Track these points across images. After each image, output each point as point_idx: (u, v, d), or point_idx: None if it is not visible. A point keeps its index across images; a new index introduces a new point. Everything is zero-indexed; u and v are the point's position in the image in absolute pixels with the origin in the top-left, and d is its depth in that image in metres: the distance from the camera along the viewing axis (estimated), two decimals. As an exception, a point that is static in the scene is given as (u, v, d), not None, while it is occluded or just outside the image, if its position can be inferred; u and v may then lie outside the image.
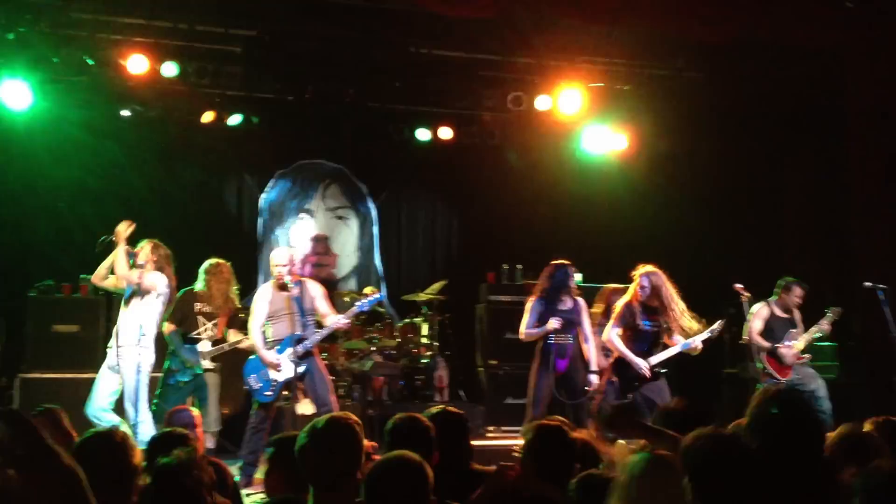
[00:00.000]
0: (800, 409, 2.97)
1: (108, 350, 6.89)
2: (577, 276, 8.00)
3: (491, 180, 10.92)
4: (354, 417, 3.11)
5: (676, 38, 8.80)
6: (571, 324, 7.39)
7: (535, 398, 7.30)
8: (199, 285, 7.42)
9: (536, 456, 3.48)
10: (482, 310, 9.91)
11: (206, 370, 7.28)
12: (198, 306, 7.36)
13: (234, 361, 7.51)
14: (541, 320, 7.36)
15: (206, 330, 7.33)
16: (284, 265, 6.92)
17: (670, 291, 7.09)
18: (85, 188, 9.67)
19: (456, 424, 3.82)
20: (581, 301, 7.56)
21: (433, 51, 9.60)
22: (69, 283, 8.68)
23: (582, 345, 7.43)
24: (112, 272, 6.94)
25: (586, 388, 7.31)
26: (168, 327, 7.23)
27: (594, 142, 10.40)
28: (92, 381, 8.21)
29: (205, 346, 7.29)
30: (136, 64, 8.71)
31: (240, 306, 7.61)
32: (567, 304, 7.46)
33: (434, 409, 3.89)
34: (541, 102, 9.66)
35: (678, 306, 7.07)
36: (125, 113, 9.62)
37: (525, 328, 7.42)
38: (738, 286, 8.28)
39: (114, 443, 2.74)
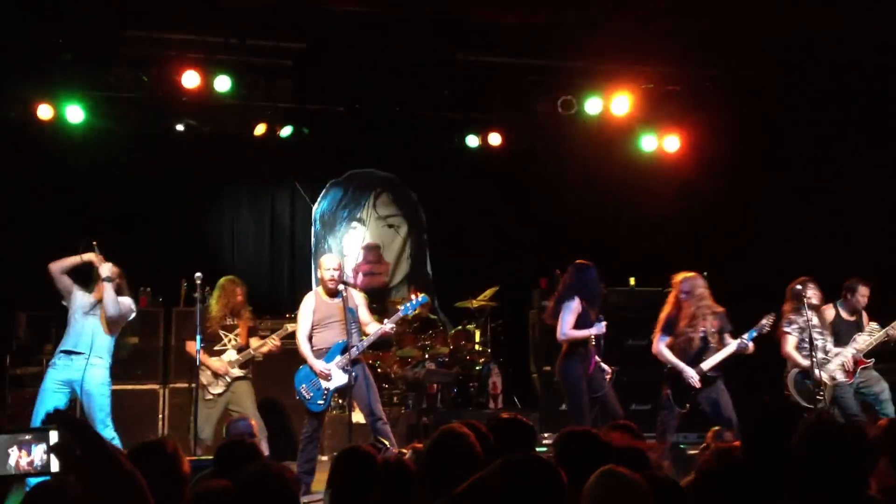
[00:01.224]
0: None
1: (56, 362, 6.70)
2: (631, 280, 7.90)
3: (541, 185, 10.88)
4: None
5: (729, 37, 8.66)
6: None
7: (579, 403, 7.09)
8: (211, 302, 7.46)
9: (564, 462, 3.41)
10: (535, 315, 9.86)
11: (237, 378, 7.30)
12: (216, 321, 7.41)
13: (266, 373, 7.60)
14: (581, 322, 7.16)
15: (229, 341, 7.37)
16: (335, 270, 6.96)
17: (708, 296, 7.05)
18: (140, 201, 9.87)
19: (523, 432, 3.78)
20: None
21: (481, 58, 9.60)
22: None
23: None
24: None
25: (606, 376, 7.19)
26: (191, 344, 7.23)
27: (646, 144, 10.30)
28: (152, 391, 8.41)
29: (231, 355, 7.33)
30: (190, 79, 8.88)
31: (252, 323, 7.60)
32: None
33: (503, 417, 3.87)
34: (591, 106, 9.61)
35: (717, 310, 7.06)
36: (179, 128, 9.78)
37: (567, 328, 7.09)
38: (799, 287, 8.09)
39: (165, 452, 2.76)
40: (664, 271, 7.92)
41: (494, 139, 10.36)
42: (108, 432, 6.61)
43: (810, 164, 10.16)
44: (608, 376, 7.21)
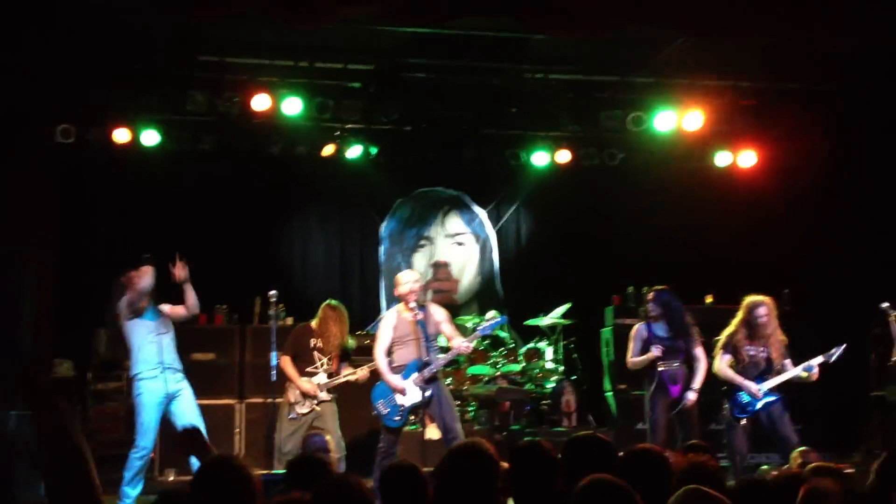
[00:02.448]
0: None
1: (160, 376, 6.75)
2: (708, 298, 7.80)
3: (612, 202, 10.79)
4: (485, 446, 3.09)
5: (804, 49, 8.50)
6: (677, 349, 7.26)
7: (653, 424, 7.29)
8: (315, 322, 7.48)
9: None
10: (608, 333, 9.75)
11: (323, 401, 7.33)
12: (312, 342, 7.43)
13: (348, 392, 7.63)
14: (645, 348, 7.31)
15: (321, 365, 7.40)
16: (415, 283, 6.97)
17: (775, 321, 7.11)
18: (214, 222, 10.06)
19: (603, 450, 3.71)
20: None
21: (549, 75, 9.60)
22: (204, 314, 8.95)
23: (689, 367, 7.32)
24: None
25: (684, 404, 7.17)
26: (284, 360, 7.31)
27: (720, 160, 10.16)
28: (228, 406, 8.51)
29: (321, 378, 7.36)
30: (260, 102, 9.02)
31: (351, 347, 7.64)
32: (669, 330, 7.30)
33: (581, 434, 3.82)
34: (662, 122, 9.51)
35: (780, 338, 7.10)
36: (249, 150, 9.93)
37: (630, 356, 7.44)
38: (885, 305, 7.89)
39: (235, 468, 2.75)
40: (741, 289, 7.79)
41: (563, 156, 10.31)
42: None
43: (891, 179, 9.87)
44: (687, 404, 7.17)
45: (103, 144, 9.29)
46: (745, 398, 7.06)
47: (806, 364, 6.98)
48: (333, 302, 7.54)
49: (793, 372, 7.02)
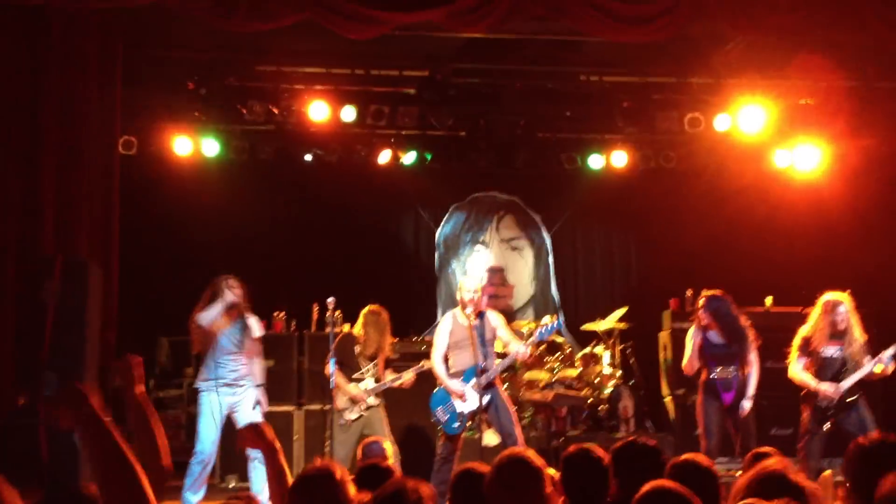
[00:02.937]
0: None
1: (222, 389, 6.83)
2: (768, 300, 7.66)
3: (670, 204, 10.67)
4: (533, 456, 3.08)
5: (864, 46, 8.32)
6: (731, 355, 7.13)
7: (707, 430, 7.15)
8: (356, 328, 7.52)
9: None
10: (666, 337, 9.64)
11: (371, 406, 7.37)
12: (357, 348, 7.47)
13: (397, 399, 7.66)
14: (699, 353, 7.19)
15: (368, 371, 7.43)
16: (474, 292, 6.96)
17: (851, 317, 6.88)
18: (272, 229, 10.21)
19: (650, 456, 3.68)
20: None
21: (604, 77, 9.53)
22: (263, 320, 9.04)
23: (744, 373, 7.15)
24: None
25: (740, 413, 7.05)
26: (331, 368, 7.36)
27: (779, 160, 9.99)
28: (286, 413, 8.59)
29: (369, 383, 7.39)
30: (317, 110, 9.11)
31: (393, 356, 7.67)
32: (722, 337, 7.17)
33: (626, 440, 3.78)
34: (720, 123, 9.37)
35: (859, 336, 6.88)
36: (307, 158, 10.04)
37: (685, 361, 7.30)
38: None
39: (332, 479, 2.78)
40: (801, 291, 7.65)
41: (619, 159, 10.23)
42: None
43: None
44: (741, 413, 7.06)
45: (164, 155, 9.48)
46: (823, 403, 6.84)
47: (877, 358, 6.75)
48: (374, 307, 7.58)
49: (866, 368, 6.77)
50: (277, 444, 3.13)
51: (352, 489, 2.76)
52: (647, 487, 2.79)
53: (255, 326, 7.00)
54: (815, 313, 6.97)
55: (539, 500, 2.98)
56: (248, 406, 6.85)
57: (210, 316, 6.75)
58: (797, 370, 6.96)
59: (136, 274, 8.86)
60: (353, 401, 7.29)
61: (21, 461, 5.65)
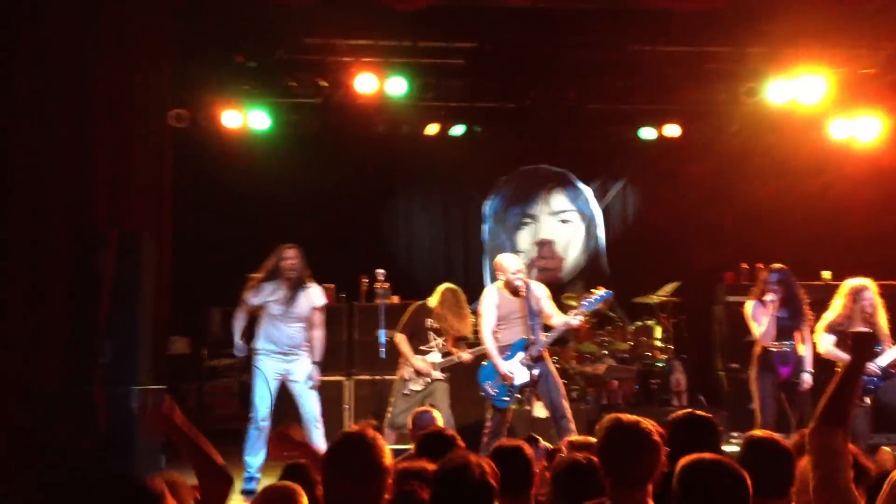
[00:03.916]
0: None
1: (274, 356, 6.92)
2: (826, 274, 7.52)
3: (724, 176, 10.50)
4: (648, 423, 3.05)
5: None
6: (790, 329, 7.05)
7: (763, 404, 7.09)
8: (433, 303, 7.51)
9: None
10: (720, 311, 9.50)
11: (436, 379, 7.38)
12: (429, 321, 7.48)
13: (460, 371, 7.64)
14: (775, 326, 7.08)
15: (437, 344, 7.44)
16: (516, 273, 6.90)
17: (878, 303, 6.93)
18: (320, 201, 10.26)
19: (706, 429, 3.60)
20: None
21: (656, 47, 9.35)
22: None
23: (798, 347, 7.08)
24: None
25: (801, 387, 6.96)
26: (400, 337, 7.40)
27: (837, 132, 9.73)
28: (337, 383, 8.67)
29: (435, 356, 7.41)
30: (365, 83, 9.08)
31: (467, 332, 7.64)
32: (785, 310, 7.06)
33: (681, 413, 3.71)
34: (777, 92, 9.14)
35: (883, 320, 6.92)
36: (354, 130, 10.02)
37: (757, 333, 7.14)
38: None
39: (367, 442, 2.78)
40: (860, 265, 7.49)
41: (672, 130, 10.06)
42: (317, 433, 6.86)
43: None
44: (803, 386, 6.98)
45: (214, 128, 9.54)
46: (864, 377, 6.79)
47: None
48: (453, 286, 7.58)
49: None
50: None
51: (388, 455, 2.74)
52: (687, 459, 2.72)
53: (316, 295, 7.01)
54: (841, 299, 6.99)
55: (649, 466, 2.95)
56: (302, 375, 6.90)
57: (255, 300, 6.82)
58: (828, 346, 6.96)
59: (188, 245, 8.96)
60: (419, 373, 7.31)
61: (78, 428, 5.76)
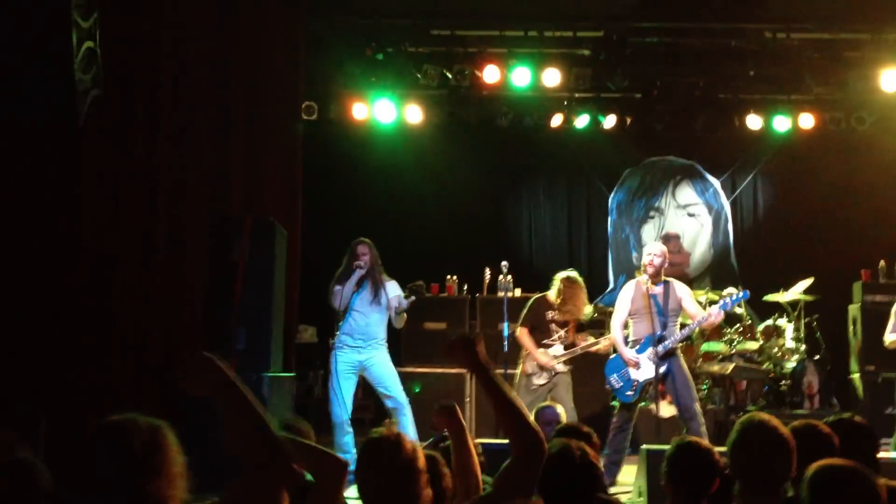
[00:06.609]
0: None
1: (351, 348, 6.97)
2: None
3: (861, 169, 10.03)
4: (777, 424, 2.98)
5: None
6: None
7: None
8: (552, 294, 7.44)
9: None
10: (856, 310, 9.11)
11: (559, 373, 7.33)
12: (549, 314, 7.41)
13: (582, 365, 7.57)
14: None
15: (559, 337, 7.38)
16: (656, 255, 6.80)
17: None
18: (444, 193, 10.33)
19: (863, 435, 3.46)
20: None
21: (791, 34, 9.02)
22: (436, 284, 9.18)
23: None
24: None
25: None
26: (522, 331, 7.36)
27: None
28: (459, 375, 8.68)
29: (558, 349, 7.35)
30: (490, 74, 9.09)
31: (588, 317, 7.56)
32: None
33: (833, 418, 3.58)
34: (918, 82, 8.70)
35: None
36: (479, 121, 10.05)
37: (888, 332, 6.91)
38: None
39: (398, 444, 2.75)
40: None
41: (807, 121, 9.68)
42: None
43: None
44: None
45: (343, 120, 9.73)
46: None
47: None
48: (572, 274, 7.49)
49: None
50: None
51: (421, 459, 2.71)
52: (817, 465, 2.62)
53: (390, 288, 7.03)
54: None
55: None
56: (380, 365, 6.97)
57: (339, 297, 6.91)
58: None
59: (317, 235, 9.17)
60: (542, 367, 7.30)
61: (205, 415, 5.96)
